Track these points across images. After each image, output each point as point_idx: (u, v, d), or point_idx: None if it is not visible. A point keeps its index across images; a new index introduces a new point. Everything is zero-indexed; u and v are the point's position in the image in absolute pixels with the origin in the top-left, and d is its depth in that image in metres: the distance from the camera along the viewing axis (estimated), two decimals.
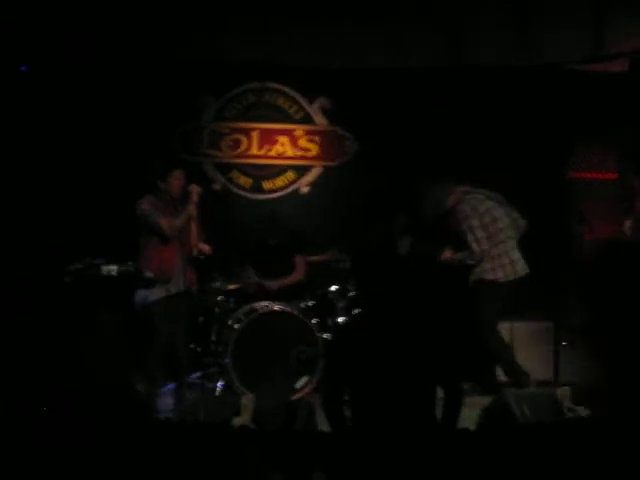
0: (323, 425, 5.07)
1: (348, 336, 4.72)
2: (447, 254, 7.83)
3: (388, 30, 8.36)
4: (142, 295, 7.04)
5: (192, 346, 8.24)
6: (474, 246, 7.59)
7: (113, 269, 6.65)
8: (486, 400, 6.10)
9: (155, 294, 7.03)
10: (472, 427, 5.79)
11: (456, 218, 7.70)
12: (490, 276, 7.66)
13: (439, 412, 4.62)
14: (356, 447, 4.42)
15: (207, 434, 4.56)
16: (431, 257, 7.90)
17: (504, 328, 8.15)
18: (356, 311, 8.06)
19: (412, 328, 4.58)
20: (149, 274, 6.95)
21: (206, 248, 7.41)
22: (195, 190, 7.21)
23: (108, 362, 6.31)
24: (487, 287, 7.69)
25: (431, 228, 8.17)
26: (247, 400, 5.74)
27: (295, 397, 7.61)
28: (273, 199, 9.73)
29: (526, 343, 8.38)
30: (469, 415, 6.34)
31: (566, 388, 5.82)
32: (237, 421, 5.69)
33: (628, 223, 6.74)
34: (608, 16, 7.87)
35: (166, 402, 7.30)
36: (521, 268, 7.73)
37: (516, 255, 7.74)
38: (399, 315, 4.61)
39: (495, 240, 7.64)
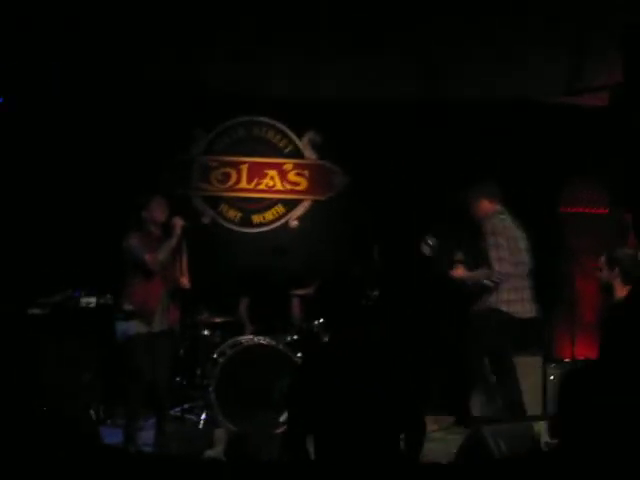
0: None
1: (311, 370, 4.65)
2: (459, 271, 7.49)
3: (373, 63, 8.36)
4: (123, 328, 7.01)
5: (178, 379, 8.27)
6: (495, 264, 7.21)
7: (92, 301, 6.64)
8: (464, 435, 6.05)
9: (136, 328, 7.00)
10: (447, 461, 5.78)
11: (485, 231, 7.38)
12: (505, 308, 7.31)
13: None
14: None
15: (171, 466, 4.53)
16: (441, 271, 7.61)
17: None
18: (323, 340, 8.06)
19: (376, 362, 4.53)
20: (128, 306, 6.93)
21: (186, 282, 7.36)
22: (178, 223, 7.20)
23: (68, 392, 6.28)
24: (500, 318, 7.34)
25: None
26: (220, 433, 5.73)
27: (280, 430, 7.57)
28: (262, 233, 9.72)
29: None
30: (445, 449, 6.34)
31: (543, 423, 5.77)
32: (209, 454, 5.68)
33: (603, 259, 6.56)
34: (588, 49, 7.86)
35: (147, 435, 7.27)
36: (533, 308, 7.48)
37: (530, 294, 7.48)
38: (364, 348, 4.56)
39: (517, 271, 7.34)
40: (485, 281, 7.30)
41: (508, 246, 7.28)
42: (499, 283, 7.29)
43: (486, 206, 7.59)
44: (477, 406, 7.93)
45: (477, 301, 7.50)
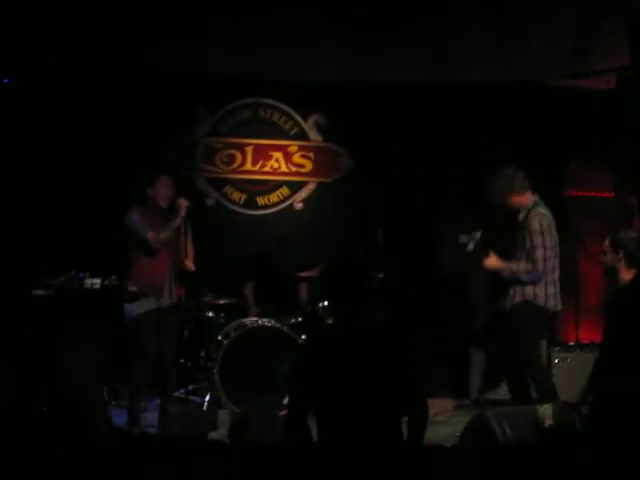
0: None
1: (314, 352, 4.65)
2: (493, 261, 7.02)
3: (378, 45, 8.35)
4: (129, 308, 6.99)
5: (182, 361, 8.27)
6: (540, 265, 6.83)
7: (96, 282, 6.61)
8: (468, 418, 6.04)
9: (142, 307, 6.98)
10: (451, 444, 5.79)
11: (529, 229, 6.90)
12: (540, 301, 6.96)
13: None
14: (325, 462, 4.37)
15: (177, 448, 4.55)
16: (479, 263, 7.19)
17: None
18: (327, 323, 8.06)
19: (380, 344, 4.53)
20: (133, 288, 6.92)
21: (190, 265, 7.32)
22: (183, 204, 7.15)
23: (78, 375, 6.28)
24: (532, 310, 6.98)
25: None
26: (224, 415, 5.73)
27: (283, 413, 7.57)
28: (267, 215, 9.72)
29: None
30: (449, 432, 6.35)
31: (547, 406, 5.76)
32: (213, 435, 5.68)
33: (607, 242, 6.47)
34: (592, 33, 7.83)
35: (151, 417, 7.27)
36: (560, 302, 7.14)
37: (558, 286, 7.14)
38: (368, 330, 4.56)
39: (551, 265, 6.98)
40: (525, 277, 6.92)
41: (549, 244, 6.88)
42: (537, 281, 7.04)
43: (517, 201, 7.06)
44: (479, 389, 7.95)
45: (509, 295, 7.30)
